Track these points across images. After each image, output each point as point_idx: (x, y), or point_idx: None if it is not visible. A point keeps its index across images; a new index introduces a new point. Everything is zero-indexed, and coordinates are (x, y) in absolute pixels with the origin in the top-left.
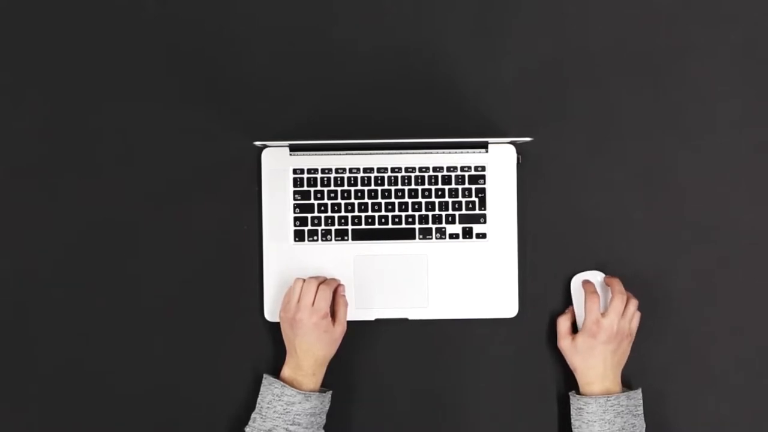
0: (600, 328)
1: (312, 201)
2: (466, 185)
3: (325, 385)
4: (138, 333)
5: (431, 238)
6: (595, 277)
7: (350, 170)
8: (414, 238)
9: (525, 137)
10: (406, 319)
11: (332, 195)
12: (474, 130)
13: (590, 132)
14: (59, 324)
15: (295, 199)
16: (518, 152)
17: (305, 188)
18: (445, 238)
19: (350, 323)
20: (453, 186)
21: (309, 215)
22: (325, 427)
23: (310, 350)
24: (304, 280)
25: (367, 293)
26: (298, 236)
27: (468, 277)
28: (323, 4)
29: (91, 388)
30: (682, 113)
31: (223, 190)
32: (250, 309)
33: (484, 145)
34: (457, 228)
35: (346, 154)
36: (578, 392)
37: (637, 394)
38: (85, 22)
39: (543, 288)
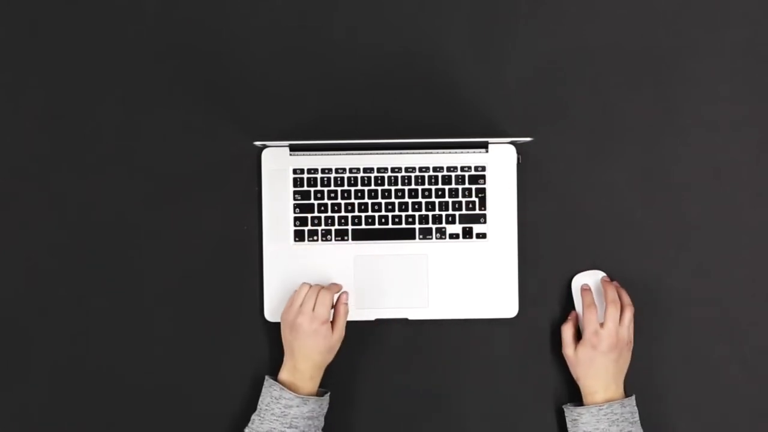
0: (600, 338)
1: (312, 201)
2: (466, 185)
3: (324, 386)
4: (138, 333)
5: (431, 238)
6: (595, 276)
7: (350, 170)
8: (414, 238)
9: (525, 137)
10: (406, 319)
11: (332, 195)
12: (474, 130)
13: (590, 132)
14: (59, 323)
15: (295, 199)
16: (518, 152)
17: (305, 188)
18: (445, 238)
19: (350, 323)
20: (453, 186)
21: (309, 215)
22: (324, 429)
23: (308, 355)
24: (310, 286)
25: (367, 293)
26: (298, 236)
27: (468, 277)
28: (323, 4)
29: (91, 388)
30: (682, 113)
31: (223, 190)
32: (250, 309)
33: (484, 145)
34: (457, 228)
35: (346, 154)
36: (576, 403)
37: (631, 401)
38: (85, 22)
39: (543, 288)
